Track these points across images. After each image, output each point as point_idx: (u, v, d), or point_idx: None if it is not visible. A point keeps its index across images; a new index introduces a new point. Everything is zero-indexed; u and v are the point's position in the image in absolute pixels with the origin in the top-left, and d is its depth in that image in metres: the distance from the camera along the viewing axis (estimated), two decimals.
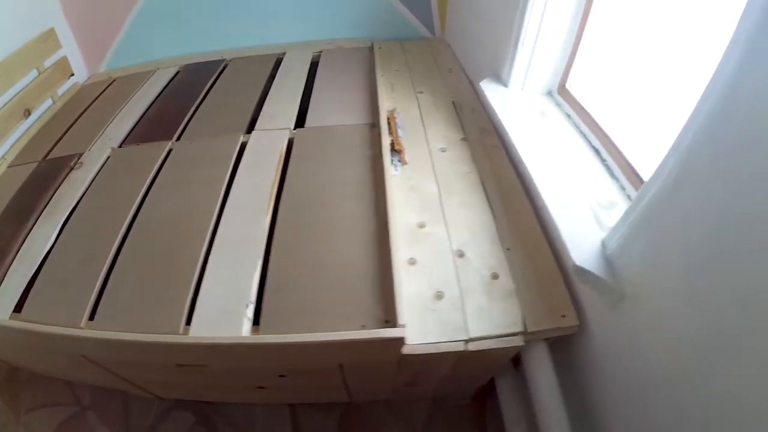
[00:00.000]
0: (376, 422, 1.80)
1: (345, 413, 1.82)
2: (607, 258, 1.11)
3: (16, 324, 1.37)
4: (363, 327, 1.19)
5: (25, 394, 2.05)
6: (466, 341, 1.19)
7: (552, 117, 1.63)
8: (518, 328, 1.21)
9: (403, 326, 1.15)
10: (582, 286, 1.23)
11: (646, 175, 1.09)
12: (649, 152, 1.14)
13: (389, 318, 1.20)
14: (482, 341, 1.19)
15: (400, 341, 1.13)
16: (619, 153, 1.35)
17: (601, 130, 1.45)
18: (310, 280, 1.34)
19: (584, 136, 1.52)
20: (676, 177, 0.84)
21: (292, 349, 1.18)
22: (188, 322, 1.28)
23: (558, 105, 1.69)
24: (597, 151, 1.45)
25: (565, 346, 1.33)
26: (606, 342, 1.17)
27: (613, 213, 1.23)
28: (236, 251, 1.44)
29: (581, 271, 1.11)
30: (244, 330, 1.23)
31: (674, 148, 0.86)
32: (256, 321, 1.27)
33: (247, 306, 1.28)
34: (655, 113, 1.29)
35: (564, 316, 1.22)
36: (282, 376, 1.43)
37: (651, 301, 0.97)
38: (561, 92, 1.70)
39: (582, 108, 1.56)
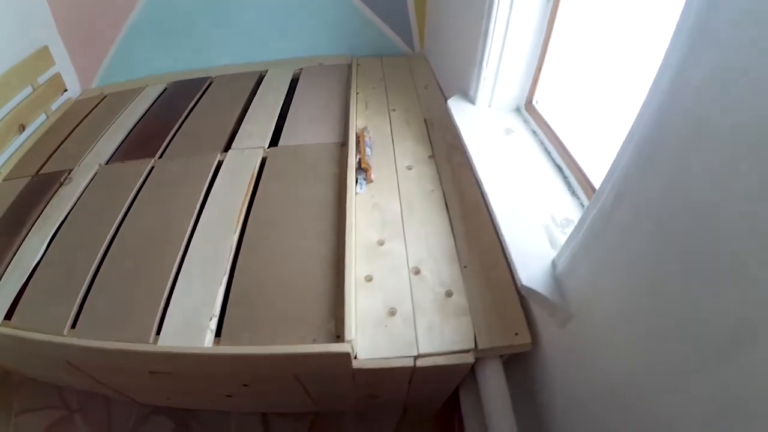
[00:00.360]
0: (347, 431, 1.86)
1: (315, 421, 1.88)
2: (556, 278, 1.13)
3: (6, 330, 1.47)
4: (314, 341, 1.26)
5: (16, 397, 2.15)
6: (416, 357, 1.22)
7: (518, 134, 1.66)
8: (469, 346, 1.24)
9: (349, 342, 1.21)
10: (534, 304, 1.26)
11: None
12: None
13: (341, 333, 1.26)
14: (432, 358, 1.23)
15: (346, 356, 1.19)
16: (580, 170, 1.38)
17: (563, 147, 1.48)
18: (270, 295, 1.41)
19: (548, 153, 1.55)
20: (614, 198, 0.86)
21: (247, 361, 1.25)
22: (159, 332, 1.37)
23: (525, 121, 1.72)
24: (560, 168, 1.48)
25: (520, 362, 1.37)
26: (557, 359, 1.20)
27: (568, 231, 1.23)
28: (205, 267, 1.52)
29: (529, 292, 1.14)
30: (207, 341, 1.31)
31: (612, 169, 0.88)
32: (220, 332, 1.35)
33: (210, 318, 1.36)
34: (616, 129, 1.33)
35: (517, 334, 1.26)
36: (245, 385, 1.50)
37: (596, 322, 0.99)
38: (528, 109, 1.73)
39: (546, 125, 1.60)
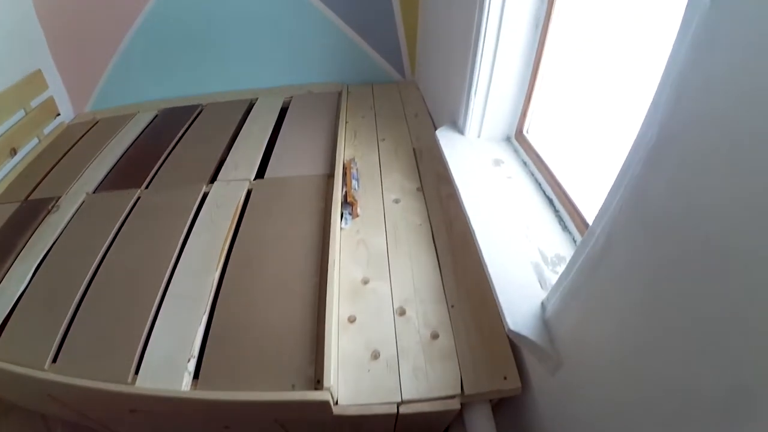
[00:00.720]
0: None
1: None
2: (545, 321, 1.09)
3: None
4: (293, 387, 1.24)
5: (4, 422, 2.15)
6: (399, 404, 1.19)
7: (508, 165, 1.62)
8: (455, 391, 1.20)
9: (328, 389, 1.18)
10: (523, 351, 1.23)
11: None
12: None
13: (321, 377, 1.22)
14: (415, 404, 1.19)
15: (325, 404, 1.16)
16: (571, 203, 1.34)
17: (554, 178, 1.44)
18: (249, 337, 1.38)
19: (539, 185, 1.51)
20: (604, 241, 0.83)
21: (224, 406, 1.23)
22: (138, 370, 1.35)
23: (515, 151, 1.68)
24: (551, 201, 1.44)
25: (510, 406, 1.33)
26: (548, 405, 1.16)
27: (559, 269, 1.21)
28: (185, 304, 1.50)
29: (517, 337, 1.09)
30: (184, 384, 1.29)
31: (602, 211, 0.85)
32: (198, 374, 1.32)
33: (189, 360, 1.34)
34: (607, 161, 1.30)
35: (506, 378, 1.22)
36: (227, 426, 1.47)
37: (585, 371, 0.96)
38: (518, 138, 1.69)
39: (537, 155, 1.56)
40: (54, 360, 1.44)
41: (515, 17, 1.46)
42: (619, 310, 0.81)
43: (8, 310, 1.63)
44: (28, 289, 1.71)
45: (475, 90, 1.64)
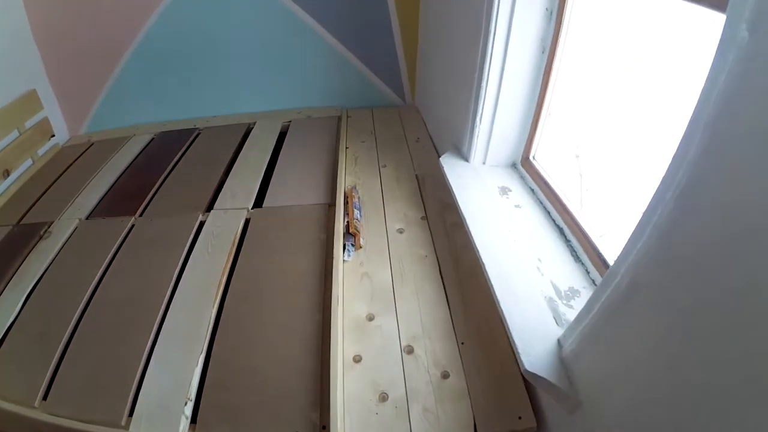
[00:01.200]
0: None
1: None
2: (562, 360, 1.05)
3: None
4: None
5: None
6: None
7: (515, 193, 1.59)
8: None
9: None
10: (539, 391, 1.18)
11: (611, 258, 1.04)
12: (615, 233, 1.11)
13: (326, 423, 1.17)
14: None
15: None
16: (583, 233, 1.30)
17: (563, 206, 1.41)
18: (249, 379, 1.33)
19: (548, 213, 1.48)
20: (629, 284, 0.80)
21: None
22: (132, 412, 1.29)
23: (522, 178, 1.65)
24: (561, 231, 1.41)
25: None
26: None
27: (574, 303, 1.18)
28: (181, 343, 1.45)
29: (534, 378, 1.04)
30: (181, 429, 1.23)
31: (625, 253, 0.82)
32: (195, 418, 1.27)
33: (186, 403, 1.28)
34: (621, 189, 1.26)
35: (521, 418, 1.17)
36: None
37: (606, 412, 0.92)
38: (525, 164, 1.66)
39: (545, 182, 1.53)
40: (44, 397, 1.38)
41: (521, 42, 1.45)
42: (642, 354, 0.78)
43: None
44: (17, 320, 1.65)
45: (481, 116, 1.61)
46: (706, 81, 0.62)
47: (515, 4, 1.39)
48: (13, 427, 1.55)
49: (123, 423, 1.26)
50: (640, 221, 0.78)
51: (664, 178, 0.71)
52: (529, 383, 1.23)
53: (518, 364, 1.19)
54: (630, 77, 1.25)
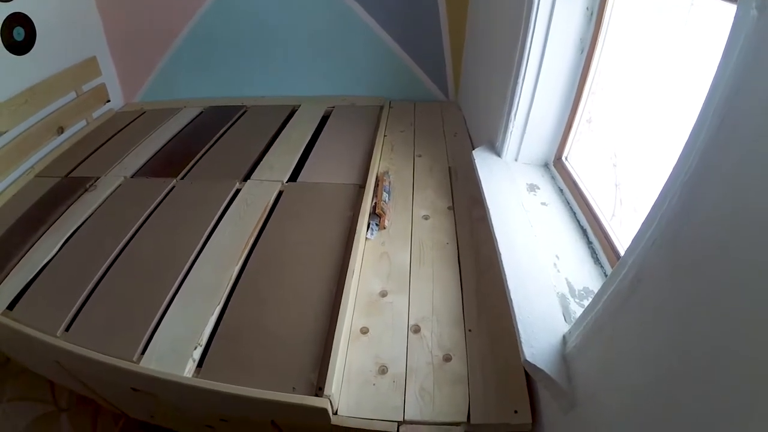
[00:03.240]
0: None
1: None
2: (565, 357, 1.02)
3: (3, 320, 1.52)
4: (294, 390, 1.22)
5: (11, 384, 2.21)
6: (400, 423, 1.15)
7: (543, 191, 1.57)
8: (460, 418, 1.14)
9: (328, 397, 1.15)
10: (539, 385, 1.16)
11: None
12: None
13: (323, 386, 1.19)
14: (417, 426, 1.14)
15: (323, 412, 1.14)
16: (606, 237, 1.27)
17: (590, 208, 1.38)
18: (258, 334, 1.38)
19: (574, 214, 1.45)
20: (630, 282, 0.78)
21: (223, 398, 1.21)
22: (144, 351, 1.36)
23: (552, 178, 1.62)
24: (584, 232, 1.38)
25: None
26: None
27: (586, 303, 1.12)
28: (200, 295, 1.51)
29: (533, 369, 1.01)
30: (187, 370, 1.29)
31: (632, 247, 0.80)
32: (201, 363, 1.33)
33: (195, 348, 1.34)
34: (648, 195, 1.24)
35: (516, 412, 1.15)
36: (224, 420, 1.46)
37: (600, 414, 0.89)
38: (556, 165, 1.64)
39: (574, 183, 1.50)
40: (67, 329, 1.48)
41: (560, 41, 1.43)
42: (643, 350, 0.76)
43: (31, 277, 1.69)
44: (53, 260, 1.77)
45: (515, 113, 1.59)
46: (719, 65, 0.62)
47: (555, 2, 1.37)
48: (36, 355, 1.71)
49: (135, 359, 1.33)
50: (648, 214, 0.76)
51: (675, 166, 0.70)
52: (530, 381, 1.22)
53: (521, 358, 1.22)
54: (674, 84, 1.22)
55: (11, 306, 1.60)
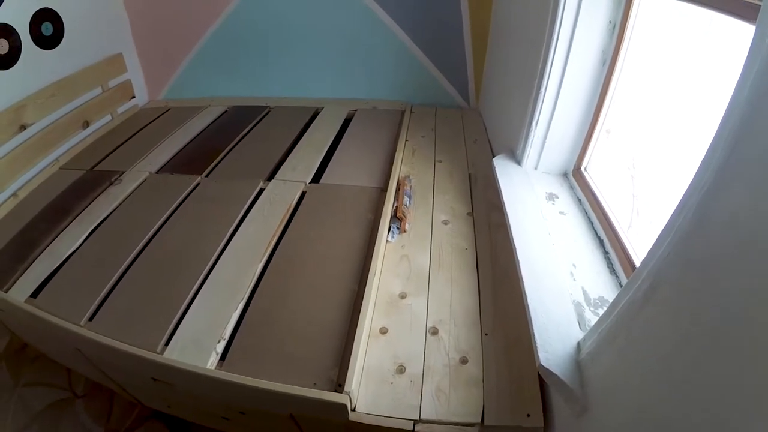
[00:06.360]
0: None
1: None
2: (579, 362, 1.04)
3: (28, 308, 1.56)
4: (314, 385, 1.25)
5: (28, 368, 2.24)
6: (416, 422, 1.17)
7: (562, 200, 1.59)
8: (474, 419, 1.17)
9: (348, 393, 1.18)
10: (551, 390, 1.18)
11: None
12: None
13: (342, 382, 1.23)
14: (433, 425, 1.17)
15: (342, 407, 1.16)
16: (623, 247, 1.30)
17: (607, 219, 1.40)
18: (281, 330, 1.41)
19: (591, 224, 1.48)
20: (645, 292, 0.80)
21: (244, 390, 1.24)
22: (168, 342, 1.40)
23: (571, 188, 1.65)
24: (601, 242, 1.40)
25: None
26: None
27: (601, 312, 1.13)
28: (224, 290, 1.55)
29: (546, 373, 1.05)
30: (210, 363, 1.32)
31: (648, 257, 0.82)
32: (224, 356, 1.36)
33: (218, 341, 1.38)
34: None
35: (529, 415, 1.17)
36: (242, 413, 1.49)
37: (611, 420, 0.91)
38: (575, 175, 1.66)
39: (592, 194, 1.52)
40: (91, 318, 1.52)
41: (582, 53, 1.46)
42: (656, 359, 0.77)
43: (55, 266, 1.73)
44: (78, 250, 1.81)
45: (537, 122, 1.61)
46: (736, 84, 0.64)
47: (578, 15, 1.40)
48: (56, 343, 1.75)
49: (158, 350, 1.37)
50: (665, 227, 0.78)
51: (690, 183, 0.72)
52: (543, 386, 1.24)
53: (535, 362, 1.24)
54: (692, 97, 1.23)
55: (35, 294, 1.64)
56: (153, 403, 1.95)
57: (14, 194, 2.24)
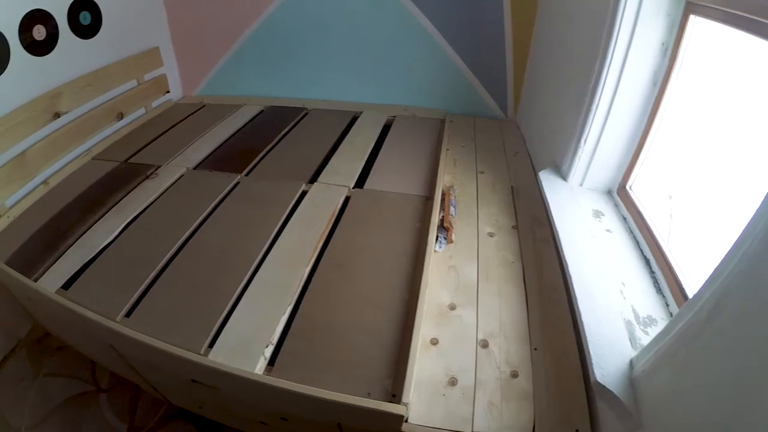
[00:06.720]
0: None
1: None
2: (632, 380, 1.05)
3: (61, 300, 1.53)
4: (369, 395, 1.22)
5: (50, 359, 2.23)
6: None
7: (607, 218, 1.59)
8: None
9: (405, 404, 1.17)
10: (603, 403, 1.17)
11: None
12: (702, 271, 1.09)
13: (396, 393, 1.21)
14: None
15: (399, 418, 1.15)
16: (669, 267, 1.30)
17: (654, 239, 1.40)
18: (331, 337, 1.39)
19: (637, 243, 1.47)
20: (709, 312, 0.80)
21: (295, 398, 1.22)
22: (211, 344, 1.37)
23: (616, 206, 1.65)
24: (647, 262, 1.40)
25: None
26: None
27: (650, 331, 1.18)
28: (271, 292, 1.53)
29: (601, 389, 1.06)
30: (258, 368, 1.30)
31: (711, 280, 0.82)
32: (273, 361, 1.33)
33: (267, 346, 1.35)
34: (715, 229, 1.23)
35: (577, 431, 1.17)
36: (284, 419, 1.46)
37: None
38: (620, 193, 1.66)
39: (638, 213, 1.52)
40: (128, 315, 1.49)
41: (634, 73, 1.47)
42: (716, 380, 0.78)
43: (89, 258, 1.72)
44: (113, 242, 1.80)
45: (585, 139, 1.61)
46: None
47: (633, 36, 1.41)
48: (88, 337, 1.72)
49: (202, 352, 1.34)
50: (732, 248, 0.79)
51: (760, 205, 0.74)
52: (590, 400, 1.23)
53: (584, 380, 1.26)
54: (737, 123, 1.23)
55: (66, 285, 1.62)
56: (183, 402, 1.93)
57: (45, 182, 2.23)
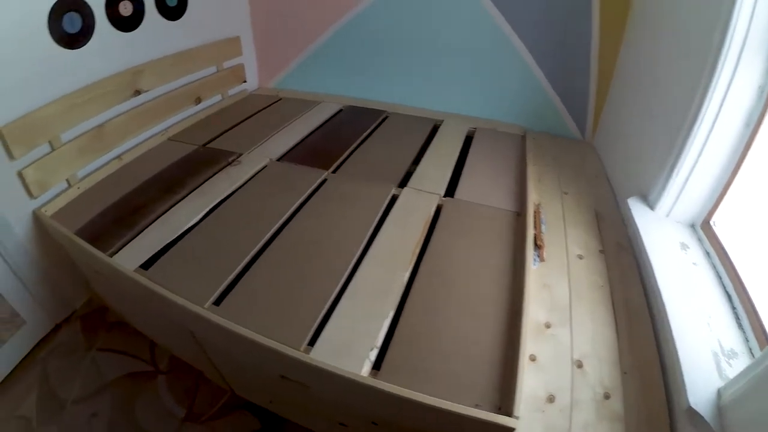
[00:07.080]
0: None
1: None
2: (720, 408, 1.10)
3: (143, 280, 1.53)
4: (477, 406, 1.23)
5: (105, 333, 2.24)
6: None
7: (693, 251, 1.61)
8: None
9: (516, 419, 1.18)
10: (692, 428, 1.20)
11: None
12: None
13: (503, 406, 1.22)
14: None
15: (509, 431, 1.16)
16: (752, 305, 1.33)
17: (737, 276, 1.43)
18: (436, 345, 1.39)
19: (719, 278, 1.50)
20: None
21: (404, 404, 1.22)
22: (310, 342, 1.37)
23: (699, 240, 1.66)
24: (729, 297, 1.43)
25: None
26: None
27: (733, 363, 1.23)
28: (371, 295, 1.53)
29: (693, 414, 1.10)
30: (364, 370, 1.30)
31: None
32: (376, 365, 1.34)
33: (372, 349, 1.35)
34: None
35: None
36: (375, 423, 1.47)
37: None
38: (704, 227, 1.67)
39: (722, 249, 1.54)
40: (216, 303, 1.49)
41: (731, 113, 1.50)
42: None
43: (170, 239, 1.73)
44: (199, 225, 1.81)
45: (678, 172, 1.63)
46: None
47: (733, 79, 1.45)
48: (165, 320, 1.73)
49: (302, 349, 1.34)
50: None
51: None
52: (673, 427, 1.25)
53: (669, 409, 1.28)
54: None
55: (145, 265, 1.63)
56: (251, 394, 1.92)
57: (119, 157, 2.28)
